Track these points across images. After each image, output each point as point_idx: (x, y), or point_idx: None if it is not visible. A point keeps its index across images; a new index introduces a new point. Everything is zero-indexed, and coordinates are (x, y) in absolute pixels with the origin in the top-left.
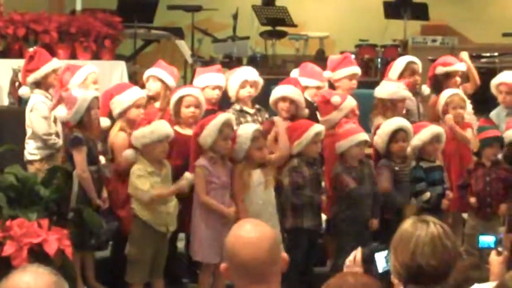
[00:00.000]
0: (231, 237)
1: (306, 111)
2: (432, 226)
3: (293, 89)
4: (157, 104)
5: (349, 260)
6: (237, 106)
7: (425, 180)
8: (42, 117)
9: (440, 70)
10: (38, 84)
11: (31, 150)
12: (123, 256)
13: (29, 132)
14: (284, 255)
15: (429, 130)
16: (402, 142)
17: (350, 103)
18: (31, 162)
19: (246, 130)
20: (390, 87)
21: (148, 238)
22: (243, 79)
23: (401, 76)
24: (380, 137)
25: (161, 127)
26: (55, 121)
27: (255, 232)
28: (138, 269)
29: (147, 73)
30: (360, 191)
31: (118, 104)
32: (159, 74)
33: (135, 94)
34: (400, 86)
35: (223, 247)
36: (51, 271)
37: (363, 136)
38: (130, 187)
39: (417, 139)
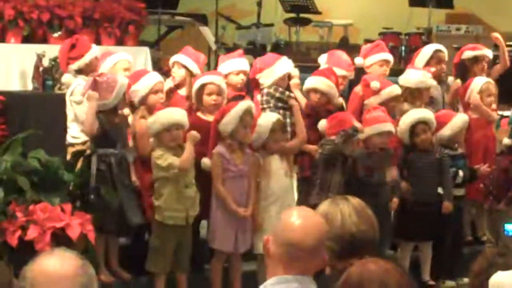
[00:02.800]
0: (291, 215)
1: (340, 100)
2: (350, 199)
3: (324, 81)
4: (183, 91)
5: None
6: (271, 89)
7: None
8: (75, 102)
9: (468, 54)
10: (80, 71)
11: (74, 133)
12: (145, 243)
13: (70, 115)
14: (325, 255)
15: (460, 119)
16: (423, 135)
17: (391, 91)
18: (72, 145)
19: (266, 120)
20: (415, 75)
21: (170, 229)
22: (285, 72)
23: (427, 64)
24: (402, 130)
25: (163, 116)
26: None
27: (312, 219)
28: (160, 259)
29: (173, 59)
30: (370, 181)
31: (137, 92)
32: (184, 60)
33: (151, 80)
34: (426, 75)
35: (236, 235)
36: (78, 255)
37: (388, 126)
38: (154, 171)
39: (449, 129)
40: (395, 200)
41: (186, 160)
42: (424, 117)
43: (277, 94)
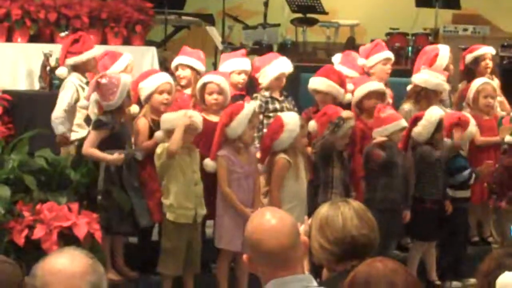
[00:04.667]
0: (252, 227)
1: (348, 96)
2: (351, 202)
3: (324, 81)
4: (188, 91)
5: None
6: (266, 93)
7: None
8: (82, 107)
9: (468, 57)
10: (76, 67)
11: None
12: (151, 242)
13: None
14: (304, 238)
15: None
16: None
17: (362, 90)
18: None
19: (293, 118)
20: (435, 78)
21: (181, 230)
22: (280, 72)
23: (447, 66)
24: (425, 127)
25: (180, 117)
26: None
27: (275, 219)
28: (172, 261)
29: (175, 62)
30: (393, 161)
31: (143, 90)
32: (187, 61)
33: (158, 80)
34: (443, 78)
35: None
36: (87, 253)
37: (404, 122)
38: (157, 164)
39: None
40: (407, 213)
41: (174, 143)
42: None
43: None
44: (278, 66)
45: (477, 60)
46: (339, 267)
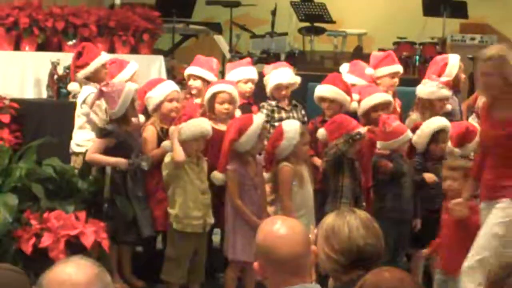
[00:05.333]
0: (263, 235)
1: (354, 104)
2: (357, 212)
3: (330, 88)
4: (198, 100)
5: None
6: (272, 102)
7: None
8: (85, 114)
9: None
10: (88, 79)
11: (80, 141)
12: (157, 251)
13: (78, 122)
14: (313, 247)
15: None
16: (442, 143)
17: (369, 100)
18: (76, 154)
19: (293, 126)
20: (427, 87)
21: (187, 239)
22: (277, 82)
23: (457, 75)
24: (420, 137)
25: (199, 125)
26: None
27: (286, 227)
28: (176, 269)
29: (187, 71)
30: (401, 171)
31: (151, 99)
32: (198, 72)
33: (167, 88)
34: (439, 86)
35: (252, 245)
36: (94, 263)
37: (410, 133)
38: (163, 173)
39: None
40: (417, 222)
41: (177, 154)
42: (447, 126)
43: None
44: (276, 77)
45: None
46: (345, 277)
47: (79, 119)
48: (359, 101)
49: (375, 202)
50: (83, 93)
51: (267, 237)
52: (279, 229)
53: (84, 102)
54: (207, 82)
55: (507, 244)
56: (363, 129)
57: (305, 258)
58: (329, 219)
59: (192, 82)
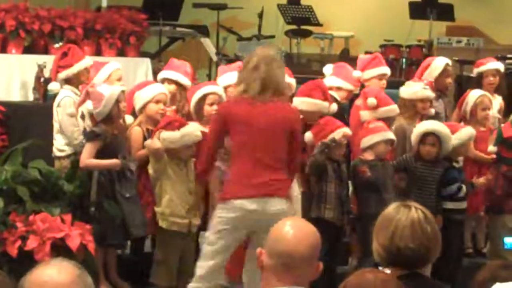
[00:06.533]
0: (278, 225)
1: (334, 107)
2: (413, 210)
3: (305, 101)
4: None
5: None
6: None
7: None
8: (67, 114)
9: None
10: (68, 81)
11: (60, 146)
12: (144, 253)
13: (56, 126)
14: (320, 264)
15: (468, 131)
16: (430, 146)
17: (390, 110)
18: (58, 158)
19: None
20: (410, 87)
21: (174, 240)
22: None
23: (439, 77)
24: (412, 138)
25: (191, 133)
26: (82, 117)
27: (304, 228)
28: (165, 272)
29: (161, 75)
30: (378, 181)
31: (138, 99)
32: (173, 76)
33: (155, 89)
34: (422, 86)
35: None
36: (75, 264)
37: (391, 135)
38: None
39: (457, 139)
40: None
41: (152, 142)
42: (437, 130)
43: None
44: None
45: (481, 76)
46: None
47: (56, 123)
48: (376, 108)
49: (358, 207)
50: (59, 96)
51: (284, 229)
52: (294, 226)
53: (58, 105)
54: (181, 87)
55: None
56: (339, 134)
57: (305, 262)
58: (389, 209)
59: (166, 86)
